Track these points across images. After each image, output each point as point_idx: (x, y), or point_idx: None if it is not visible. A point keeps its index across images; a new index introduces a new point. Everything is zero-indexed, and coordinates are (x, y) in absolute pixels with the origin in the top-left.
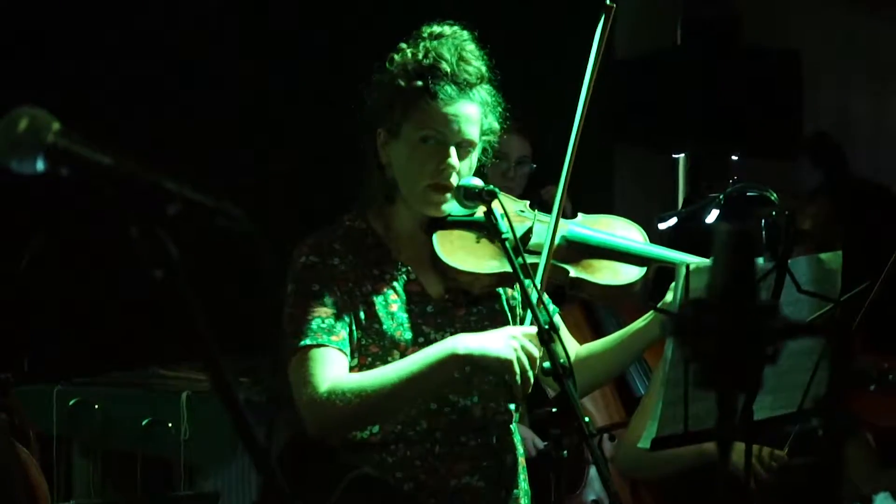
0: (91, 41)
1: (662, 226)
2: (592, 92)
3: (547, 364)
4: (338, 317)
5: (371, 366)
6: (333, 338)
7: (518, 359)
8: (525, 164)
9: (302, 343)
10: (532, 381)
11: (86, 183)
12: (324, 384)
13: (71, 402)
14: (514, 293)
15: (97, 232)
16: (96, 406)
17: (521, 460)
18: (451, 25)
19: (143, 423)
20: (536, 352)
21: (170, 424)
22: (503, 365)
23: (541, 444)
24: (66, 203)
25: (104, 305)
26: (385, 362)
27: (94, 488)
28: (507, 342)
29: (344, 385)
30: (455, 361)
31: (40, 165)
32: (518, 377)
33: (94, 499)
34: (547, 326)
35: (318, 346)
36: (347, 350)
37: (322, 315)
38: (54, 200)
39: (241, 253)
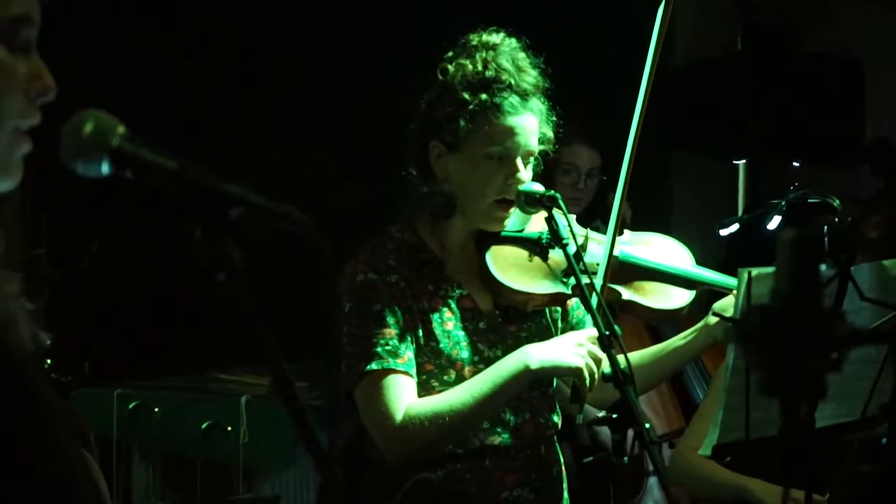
0: (149, 45)
1: (724, 232)
2: (651, 97)
3: (607, 370)
4: (401, 337)
5: (425, 383)
6: (399, 360)
7: (587, 364)
8: (595, 176)
9: (368, 367)
10: (597, 381)
11: (148, 186)
12: (398, 413)
13: (130, 406)
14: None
15: (157, 235)
16: (156, 410)
17: (564, 471)
18: (497, 33)
19: (203, 427)
20: (601, 353)
21: (229, 428)
22: (574, 372)
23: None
24: (126, 206)
25: (164, 309)
26: (440, 380)
27: (153, 492)
28: (575, 349)
29: (419, 412)
30: (528, 375)
31: (105, 169)
32: (588, 381)
33: (154, 503)
34: (608, 332)
35: (385, 370)
36: (413, 371)
37: (386, 336)
38: (114, 204)
39: (304, 257)
